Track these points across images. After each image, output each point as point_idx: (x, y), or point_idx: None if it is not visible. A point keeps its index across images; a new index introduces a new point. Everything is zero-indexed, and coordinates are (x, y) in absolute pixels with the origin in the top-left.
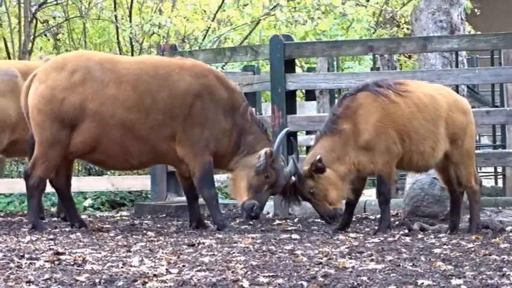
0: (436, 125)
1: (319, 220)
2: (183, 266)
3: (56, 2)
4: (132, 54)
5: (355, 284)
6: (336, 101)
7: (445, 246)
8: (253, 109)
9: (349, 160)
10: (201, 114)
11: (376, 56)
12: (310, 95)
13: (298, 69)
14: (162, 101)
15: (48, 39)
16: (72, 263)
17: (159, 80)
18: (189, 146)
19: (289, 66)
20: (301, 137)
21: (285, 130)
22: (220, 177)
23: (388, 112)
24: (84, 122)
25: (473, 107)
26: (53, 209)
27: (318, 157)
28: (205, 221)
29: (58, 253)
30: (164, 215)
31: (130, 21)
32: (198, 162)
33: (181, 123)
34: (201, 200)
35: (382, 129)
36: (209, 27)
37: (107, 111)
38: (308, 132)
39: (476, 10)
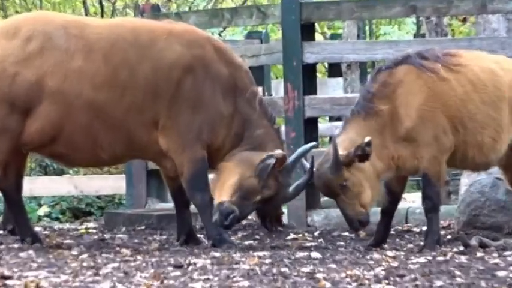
0: (498, 109)
1: (347, 234)
2: None
3: None
4: (102, 17)
5: None
6: (367, 78)
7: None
8: (261, 91)
9: (388, 153)
10: (193, 94)
11: (420, 19)
12: (334, 70)
13: (318, 37)
14: (142, 76)
15: None
16: None
17: (140, 49)
18: (175, 136)
19: (307, 32)
20: (323, 125)
21: (311, 144)
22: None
23: (435, 92)
24: (41, 104)
25: None
26: None
27: (368, 139)
28: (198, 235)
29: (3, 277)
30: (143, 227)
31: None
32: (188, 157)
33: (167, 105)
34: (193, 208)
35: (429, 115)
36: None
37: (72, 90)
38: (332, 118)
39: None
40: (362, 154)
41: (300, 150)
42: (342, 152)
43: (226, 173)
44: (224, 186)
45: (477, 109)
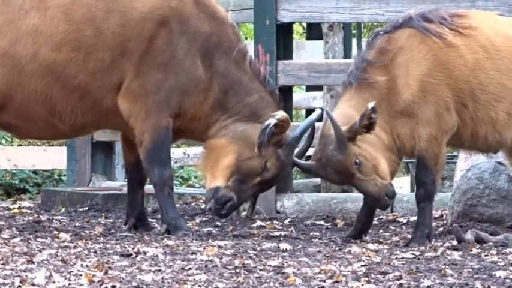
0: None
1: (322, 222)
2: (113, 286)
3: None
4: None
5: None
6: (357, 43)
7: None
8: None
9: (386, 130)
10: (166, 53)
11: None
12: (314, 32)
13: None
14: (109, 33)
15: None
16: None
17: (107, 2)
18: (140, 99)
19: None
20: (299, 95)
21: (316, 114)
22: (173, 154)
23: (442, 61)
24: None
25: None
26: None
27: (372, 104)
28: (150, 219)
29: None
30: (86, 208)
31: None
32: (150, 124)
33: (135, 64)
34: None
35: (432, 88)
36: None
37: (25, 51)
38: (309, 88)
39: None
40: (369, 123)
41: (305, 122)
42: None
43: (219, 151)
44: (218, 168)
45: (490, 79)
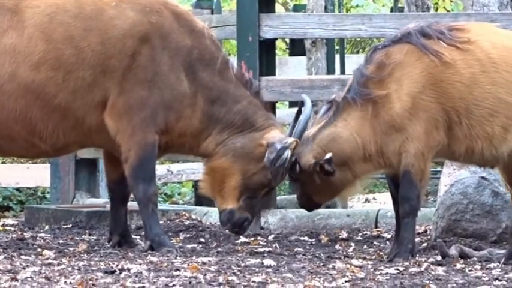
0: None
1: (306, 238)
2: None
3: None
4: None
5: None
6: (340, 58)
7: (496, 283)
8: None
9: (377, 150)
10: (148, 68)
11: None
12: (296, 48)
13: (279, 8)
14: (89, 51)
15: None
16: None
17: (86, 20)
18: (126, 117)
19: (266, 2)
20: (282, 111)
21: (307, 102)
22: (157, 171)
23: (437, 79)
24: None
25: None
26: None
27: (329, 156)
28: (133, 236)
29: None
30: (70, 226)
31: None
32: (137, 141)
33: (118, 81)
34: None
35: (425, 105)
36: None
37: (3, 70)
38: (292, 104)
39: None
40: (322, 171)
41: (301, 124)
42: (310, 158)
43: (223, 173)
44: (226, 190)
45: (486, 93)
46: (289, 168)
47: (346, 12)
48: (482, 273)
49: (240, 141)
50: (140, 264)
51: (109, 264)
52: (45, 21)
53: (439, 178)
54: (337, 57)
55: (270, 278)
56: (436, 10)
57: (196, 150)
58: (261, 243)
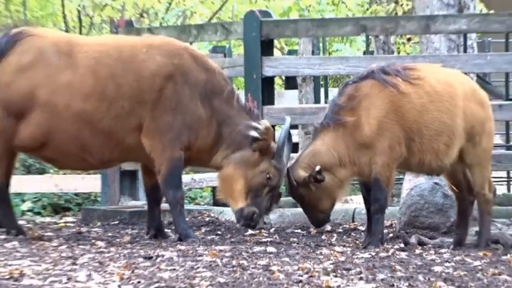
0: (453, 116)
1: (299, 231)
2: (138, 282)
3: None
4: (80, 31)
5: None
6: (324, 91)
7: (447, 264)
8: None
9: (351, 161)
10: (173, 99)
11: (370, 37)
12: (290, 83)
13: (277, 52)
14: (127, 86)
15: None
16: (7, 277)
17: (124, 63)
18: (157, 137)
19: (267, 47)
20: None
21: (288, 118)
22: (183, 179)
23: (396, 106)
24: (33, 112)
25: None
26: None
27: (318, 168)
28: (166, 230)
29: None
30: (116, 222)
31: None
32: (166, 157)
33: (150, 110)
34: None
35: (388, 126)
36: None
37: (61, 101)
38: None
39: None
40: (315, 180)
41: (283, 130)
42: (301, 171)
43: (230, 179)
44: (235, 193)
45: (433, 118)
46: (288, 185)
47: (329, 55)
48: (436, 256)
49: (239, 153)
50: (171, 252)
51: (147, 252)
52: (93, 63)
53: (401, 183)
54: (322, 90)
55: (272, 262)
56: (399, 53)
57: (208, 163)
58: (265, 234)
